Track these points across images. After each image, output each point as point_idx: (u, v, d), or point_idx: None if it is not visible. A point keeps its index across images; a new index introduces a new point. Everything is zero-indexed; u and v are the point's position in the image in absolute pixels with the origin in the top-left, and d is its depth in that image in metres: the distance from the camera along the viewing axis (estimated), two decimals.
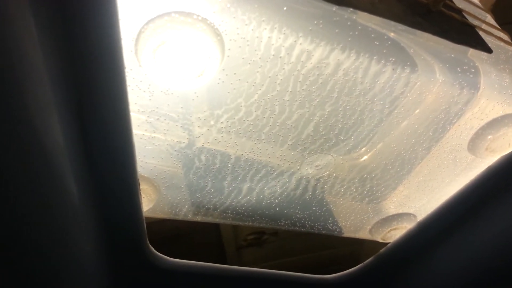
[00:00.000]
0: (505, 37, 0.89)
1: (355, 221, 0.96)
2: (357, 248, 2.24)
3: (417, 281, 0.91)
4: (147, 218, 0.72)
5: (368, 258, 0.94)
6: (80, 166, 0.56)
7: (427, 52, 0.64)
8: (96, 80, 0.50)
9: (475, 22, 0.83)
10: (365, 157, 0.78)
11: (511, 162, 0.71)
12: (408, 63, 0.62)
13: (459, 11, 0.81)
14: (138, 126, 0.61)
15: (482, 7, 0.97)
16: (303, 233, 1.16)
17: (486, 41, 0.78)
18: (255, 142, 0.68)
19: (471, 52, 0.71)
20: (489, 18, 0.93)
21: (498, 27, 0.91)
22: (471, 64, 0.68)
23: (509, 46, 0.85)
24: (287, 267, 1.88)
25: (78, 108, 0.52)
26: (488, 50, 0.73)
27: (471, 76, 0.68)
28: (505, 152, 0.79)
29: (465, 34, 0.73)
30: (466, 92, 0.69)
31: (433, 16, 0.71)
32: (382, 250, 0.94)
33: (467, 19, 0.79)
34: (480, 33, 0.79)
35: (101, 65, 0.49)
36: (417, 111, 0.71)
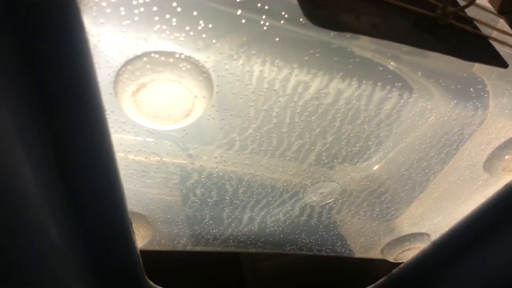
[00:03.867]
0: None
1: (365, 243, 0.91)
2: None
3: None
4: None
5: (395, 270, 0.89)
6: (64, 213, 0.53)
7: (436, 74, 0.59)
8: (75, 123, 0.46)
9: (487, 31, 0.76)
10: (372, 182, 0.73)
11: None
12: (416, 87, 0.57)
13: (470, 20, 0.75)
14: (126, 165, 0.57)
15: (494, 11, 0.90)
16: None
17: (500, 50, 0.72)
18: (252, 174, 0.64)
19: (477, 66, 0.65)
20: (502, 24, 0.87)
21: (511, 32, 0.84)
22: (484, 82, 0.63)
23: None
24: (300, 262, 1.82)
25: (57, 157, 0.48)
26: (504, 64, 0.67)
27: (486, 96, 0.63)
28: None
29: (477, 48, 0.67)
30: (481, 112, 0.63)
31: (442, 31, 0.65)
32: (394, 270, 0.90)
33: (479, 30, 0.73)
34: (494, 43, 0.73)
35: (79, 108, 0.45)
36: (427, 134, 0.66)
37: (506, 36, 0.80)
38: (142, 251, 0.69)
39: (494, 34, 0.79)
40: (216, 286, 1.41)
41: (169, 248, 0.77)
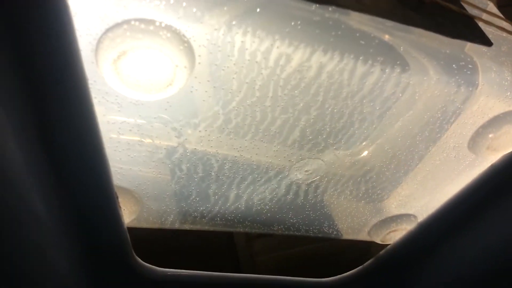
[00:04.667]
0: (508, 26, 0.83)
1: (352, 224, 0.92)
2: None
3: (417, 283, 0.88)
4: None
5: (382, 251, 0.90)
6: (47, 184, 0.53)
7: (419, 49, 0.59)
8: (57, 94, 0.47)
9: (474, 11, 0.77)
10: (358, 160, 0.74)
11: None
12: (398, 62, 0.58)
13: (457, 0, 0.75)
14: (110, 138, 0.58)
15: None
16: None
17: (487, 32, 0.72)
18: (237, 149, 0.64)
19: (469, 46, 0.66)
20: (491, 6, 0.87)
21: (501, 15, 0.85)
22: (468, 59, 0.63)
23: (511, 36, 0.79)
24: (298, 256, 1.84)
25: (38, 124, 0.48)
26: (488, 43, 0.68)
27: (469, 72, 0.63)
28: (508, 150, 0.75)
29: (462, 27, 0.68)
30: (464, 89, 0.64)
31: (426, 8, 0.65)
32: (381, 252, 0.91)
33: (465, 10, 0.73)
34: (480, 23, 0.74)
35: (61, 78, 0.45)
36: (411, 112, 0.66)
37: (494, 17, 0.81)
38: (136, 233, 0.70)
39: (484, 16, 0.80)
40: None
41: (157, 225, 0.78)
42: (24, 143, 0.48)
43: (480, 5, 0.82)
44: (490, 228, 0.76)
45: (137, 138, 0.60)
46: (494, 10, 0.87)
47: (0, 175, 0.45)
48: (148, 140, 0.60)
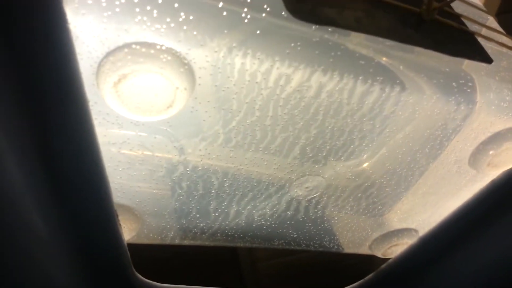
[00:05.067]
0: (509, 42, 0.83)
1: (353, 238, 0.92)
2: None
3: None
4: None
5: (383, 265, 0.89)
6: (47, 203, 0.53)
7: (418, 68, 0.59)
8: (58, 115, 0.47)
9: (475, 27, 0.77)
10: (358, 177, 0.74)
11: None
12: (398, 82, 0.58)
13: (457, 16, 0.75)
14: (111, 158, 0.58)
15: (484, 8, 0.91)
16: None
17: (487, 47, 0.72)
18: (237, 167, 0.65)
19: (467, 63, 0.66)
20: (491, 21, 0.88)
21: (502, 30, 0.85)
22: (468, 77, 0.63)
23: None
24: (300, 263, 1.83)
25: (39, 144, 0.49)
26: (488, 60, 0.68)
27: (469, 90, 0.63)
28: (509, 167, 0.74)
29: (462, 44, 0.68)
30: (464, 107, 0.64)
31: (426, 26, 0.65)
32: (383, 266, 0.90)
33: (465, 26, 0.73)
34: (480, 39, 0.74)
35: (62, 99, 0.46)
36: (411, 129, 0.66)
37: (494, 33, 0.81)
38: (136, 249, 0.70)
39: (483, 31, 0.80)
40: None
41: (157, 241, 0.78)
42: (24, 162, 0.48)
43: (480, 20, 0.82)
44: (491, 243, 0.75)
45: (138, 157, 0.60)
46: (494, 24, 0.87)
47: (2, 196, 0.45)
48: (148, 159, 0.60)
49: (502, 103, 0.68)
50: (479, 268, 0.78)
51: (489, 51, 0.71)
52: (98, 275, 0.68)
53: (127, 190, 0.65)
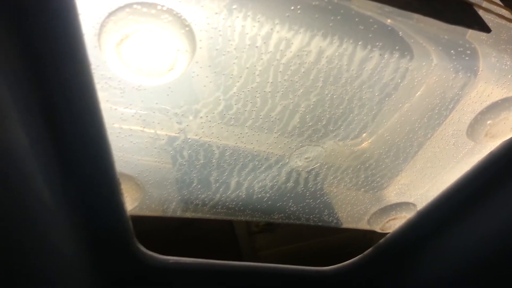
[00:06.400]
0: (508, 14, 0.84)
1: (352, 212, 0.93)
2: (371, 230, 2.19)
3: (416, 271, 0.88)
4: None
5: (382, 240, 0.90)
6: (51, 169, 0.54)
7: (417, 35, 0.60)
8: (60, 77, 0.47)
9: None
10: (358, 147, 0.75)
11: None
12: (397, 48, 0.58)
13: None
14: (113, 124, 0.59)
15: None
16: None
17: (487, 20, 0.73)
18: (238, 136, 0.65)
19: (470, 33, 0.66)
20: None
21: (500, 3, 0.85)
22: (468, 45, 0.64)
23: (511, 24, 0.80)
24: (300, 251, 1.84)
25: (43, 109, 0.49)
26: (487, 29, 0.68)
27: (467, 58, 0.64)
28: (506, 137, 0.75)
29: (461, 13, 0.68)
30: (462, 75, 0.65)
31: None
32: (381, 240, 0.91)
33: None
34: (480, 11, 0.74)
35: (64, 62, 0.46)
36: (410, 98, 0.67)
37: (493, 5, 0.81)
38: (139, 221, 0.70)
39: (484, 4, 0.80)
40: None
41: (159, 213, 0.79)
42: (29, 128, 0.48)
43: None
44: (489, 215, 0.76)
45: (139, 125, 0.60)
46: None
47: (5, 157, 0.46)
48: (150, 127, 0.61)
49: (501, 72, 0.68)
50: (478, 241, 0.79)
51: (489, 24, 0.71)
52: (100, 243, 0.69)
53: (129, 159, 0.66)
